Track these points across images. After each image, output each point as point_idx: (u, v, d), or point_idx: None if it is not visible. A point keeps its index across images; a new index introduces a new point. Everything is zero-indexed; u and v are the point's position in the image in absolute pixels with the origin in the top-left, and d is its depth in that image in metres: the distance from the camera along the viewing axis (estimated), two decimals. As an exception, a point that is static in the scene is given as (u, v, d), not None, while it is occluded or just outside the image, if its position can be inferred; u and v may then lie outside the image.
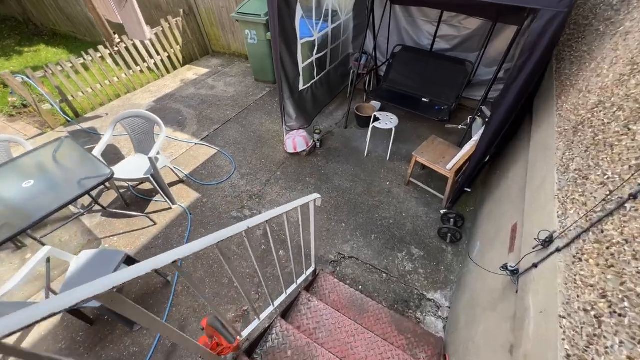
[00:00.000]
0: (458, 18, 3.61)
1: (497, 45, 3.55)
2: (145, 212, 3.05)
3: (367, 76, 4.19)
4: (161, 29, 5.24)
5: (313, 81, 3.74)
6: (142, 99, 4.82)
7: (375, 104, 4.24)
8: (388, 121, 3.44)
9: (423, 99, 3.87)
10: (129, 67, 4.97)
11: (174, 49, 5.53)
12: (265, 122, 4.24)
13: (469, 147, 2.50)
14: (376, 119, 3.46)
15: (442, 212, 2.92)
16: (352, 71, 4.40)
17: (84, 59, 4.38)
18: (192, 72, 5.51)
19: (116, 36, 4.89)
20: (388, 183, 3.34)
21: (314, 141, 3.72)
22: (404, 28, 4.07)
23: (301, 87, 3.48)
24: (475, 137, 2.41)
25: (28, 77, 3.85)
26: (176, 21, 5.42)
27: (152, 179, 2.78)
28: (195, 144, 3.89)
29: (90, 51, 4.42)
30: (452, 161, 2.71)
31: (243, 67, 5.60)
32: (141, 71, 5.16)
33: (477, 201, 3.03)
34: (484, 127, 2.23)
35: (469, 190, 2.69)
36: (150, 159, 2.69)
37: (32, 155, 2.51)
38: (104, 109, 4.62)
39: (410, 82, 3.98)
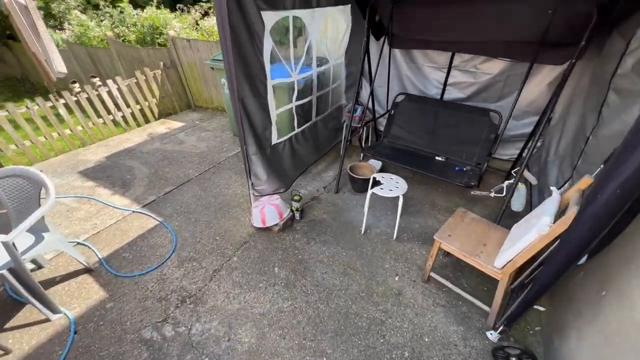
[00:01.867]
0: (474, 62, 2.93)
1: (528, 92, 2.78)
2: (4, 326, 1.88)
3: (362, 129, 3.40)
4: (135, 80, 4.73)
5: (293, 133, 2.91)
6: (94, 154, 4.00)
7: (375, 163, 3.34)
8: (393, 186, 2.46)
9: (436, 157, 2.97)
10: (89, 118, 4.29)
11: (148, 101, 4.96)
12: (234, 183, 3.30)
13: (533, 237, 1.45)
14: (377, 183, 2.50)
15: (492, 338, 1.73)
16: (345, 125, 3.64)
17: (28, 107, 3.69)
18: (164, 126, 4.82)
19: (76, 85, 4.32)
20: (397, 278, 2.20)
21: (291, 211, 2.71)
22: (406, 76, 3.40)
23: (275, 140, 2.62)
24: (544, 222, 1.38)
25: None
26: (154, 73, 4.96)
27: (7, 276, 1.69)
28: (133, 211, 2.88)
29: (39, 99, 3.77)
30: (503, 255, 1.63)
31: (223, 121, 4.94)
32: (104, 123, 4.47)
33: (550, 318, 1.85)
34: (577, 208, 1.22)
35: (542, 309, 1.55)
36: (4, 244, 1.64)
37: None
38: (38, 166, 3.76)
39: (418, 137, 3.14)
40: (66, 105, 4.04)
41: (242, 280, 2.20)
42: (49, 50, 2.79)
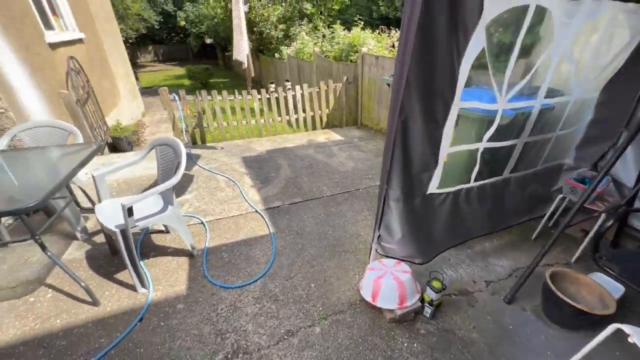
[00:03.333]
0: None
1: None
2: (103, 280, 1.99)
3: (601, 218, 1.90)
4: (317, 90, 5.00)
5: (465, 186, 1.91)
6: (261, 145, 4.41)
7: (610, 284, 1.79)
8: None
9: None
10: (272, 114, 4.85)
11: (321, 110, 5.15)
12: (361, 221, 2.64)
13: None
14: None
15: None
16: (560, 197, 2.21)
17: (234, 97, 4.49)
18: (324, 136, 4.83)
19: (273, 85, 4.95)
20: None
21: (421, 300, 1.74)
22: None
23: (433, 188, 1.74)
24: None
25: (178, 98, 4.13)
26: (335, 86, 5.09)
27: (118, 237, 1.71)
28: (256, 211, 2.76)
29: (243, 92, 4.52)
30: None
31: (381, 145, 4.42)
32: (280, 122, 4.95)
33: None
34: None
35: None
36: (122, 206, 1.64)
37: (32, 152, 2.03)
38: (223, 144, 4.48)
39: None
40: (260, 100, 4.69)
41: (311, 370, 1.48)
42: (235, 40, 3.21)
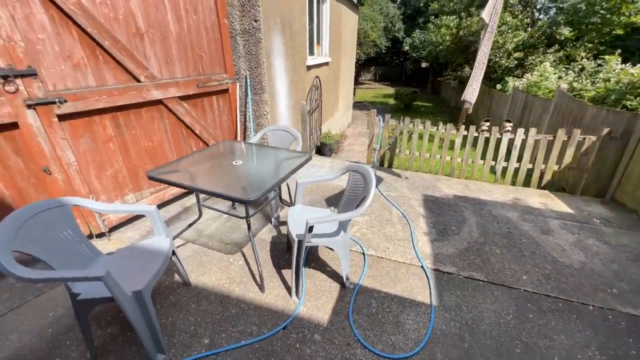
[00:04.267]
0: None
1: None
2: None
3: None
4: (551, 137, 3.80)
5: None
6: (449, 187, 3.87)
7: None
8: None
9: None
10: (473, 154, 4.17)
11: (546, 165, 3.89)
12: (582, 363, 1.66)
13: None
14: None
15: None
16: None
17: (437, 129, 4.17)
18: (540, 200, 3.60)
19: (487, 124, 4.20)
20: None
21: None
22: None
23: None
24: None
25: (382, 120, 4.28)
26: (584, 138, 3.67)
27: (294, 245, 1.87)
28: (422, 267, 2.36)
29: (448, 125, 4.12)
30: None
31: (650, 245, 2.74)
32: (482, 165, 4.17)
33: None
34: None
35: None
36: (306, 223, 1.75)
37: (270, 150, 2.55)
38: (409, 173, 4.27)
39: None
40: (464, 137, 4.12)
41: None
42: (472, 79, 2.73)
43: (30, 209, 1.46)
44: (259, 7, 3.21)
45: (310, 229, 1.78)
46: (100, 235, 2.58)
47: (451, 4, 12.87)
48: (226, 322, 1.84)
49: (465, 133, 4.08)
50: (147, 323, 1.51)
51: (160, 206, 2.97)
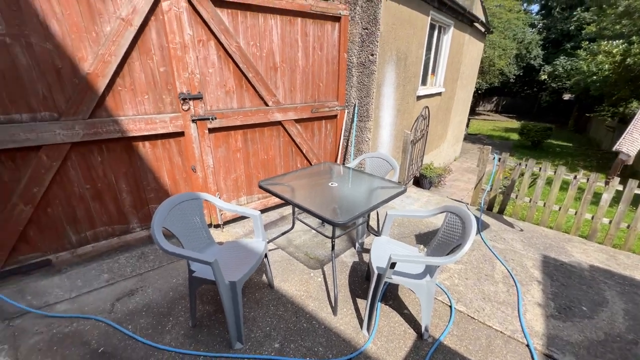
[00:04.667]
0: None
1: None
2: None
3: None
4: None
5: None
6: (584, 253, 3.02)
7: None
8: None
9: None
10: (628, 219, 3.16)
11: None
12: None
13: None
14: None
15: None
16: None
17: (575, 179, 3.37)
18: None
19: (659, 180, 3.12)
20: None
21: None
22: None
23: None
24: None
25: (498, 159, 3.75)
26: None
27: (374, 277, 1.82)
28: (527, 345, 1.90)
29: (592, 175, 3.27)
30: None
31: None
32: (627, 227, 3.11)
33: None
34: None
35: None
36: (389, 258, 1.69)
37: (366, 176, 2.59)
38: (524, 225, 3.55)
39: None
40: (618, 193, 3.17)
41: None
42: (633, 126, 2.09)
43: (179, 198, 1.93)
44: (377, 42, 3.41)
45: (393, 264, 1.71)
46: (217, 226, 3.15)
47: (617, 27, 10.39)
48: (297, 333, 1.93)
49: (621, 188, 3.14)
50: (235, 312, 1.74)
51: (263, 211, 3.41)
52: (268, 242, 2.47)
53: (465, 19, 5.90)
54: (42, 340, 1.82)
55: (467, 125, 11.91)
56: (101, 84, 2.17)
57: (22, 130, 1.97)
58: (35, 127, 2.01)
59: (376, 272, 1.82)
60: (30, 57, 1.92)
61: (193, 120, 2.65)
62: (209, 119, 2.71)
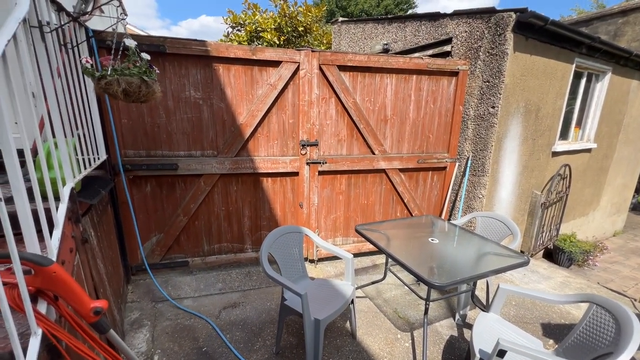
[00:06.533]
0: None
1: None
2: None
3: None
4: None
5: None
6: None
7: None
8: None
9: None
10: None
11: None
12: None
13: None
14: None
15: None
16: None
17: None
18: None
19: None
20: None
21: None
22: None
23: None
24: None
25: None
26: None
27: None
28: None
29: None
30: None
31: None
32: None
33: None
34: None
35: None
36: (497, 344, 1.40)
37: (475, 238, 2.26)
38: None
39: None
40: None
41: None
42: None
43: (285, 229, 2.20)
44: (500, 95, 3.17)
45: (501, 353, 1.39)
46: (311, 261, 3.33)
47: None
48: (374, 399, 1.76)
49: None
50: (315, 351, 1.75)
51: (356, 255, 3.41)
52: (357, 289, 2.43)
53: (630, 63, 4.79)
54: (170, 325, 2.29)
55: (637, 192, 8.95)
56: (248, 132, 2.82)
57: (195, 162, 2.74)
58: (202, 161, 2.76)
59: (478, 355, 1.52)
60: (210, 112, 2.71)
61: (307, 163, 3.05)
62: (320, 162, 3.05)
